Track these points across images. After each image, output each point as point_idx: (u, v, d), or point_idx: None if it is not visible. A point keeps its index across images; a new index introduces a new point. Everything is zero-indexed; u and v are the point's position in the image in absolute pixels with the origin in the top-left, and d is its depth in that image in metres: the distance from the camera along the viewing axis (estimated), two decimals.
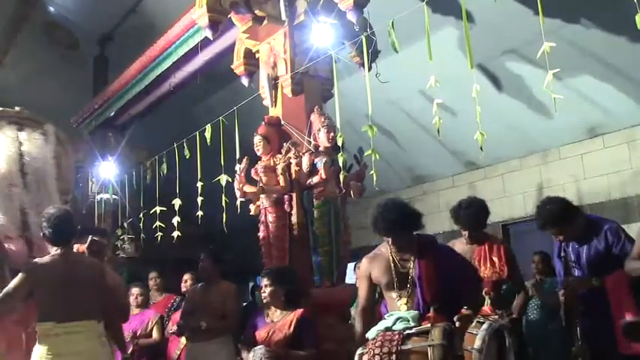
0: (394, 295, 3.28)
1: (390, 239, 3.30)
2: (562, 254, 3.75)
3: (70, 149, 5.27)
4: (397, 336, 3.01)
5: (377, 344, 3.01)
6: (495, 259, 4.01)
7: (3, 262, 3.88)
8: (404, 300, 3.23)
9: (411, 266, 3.25)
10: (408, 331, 3.05)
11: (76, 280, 3.83)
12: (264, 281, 4.13)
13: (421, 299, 3.18)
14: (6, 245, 4.18)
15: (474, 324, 3.63)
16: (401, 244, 3.28)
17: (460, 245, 4.19)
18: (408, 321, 3.11)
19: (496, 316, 3.73)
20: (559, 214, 3.65)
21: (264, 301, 4.16)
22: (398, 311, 3.21)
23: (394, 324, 3.13)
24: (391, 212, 3.26)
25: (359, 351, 3.15)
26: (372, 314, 3.49)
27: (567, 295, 3.56)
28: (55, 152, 4.98)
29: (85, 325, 3.82)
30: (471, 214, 4.04)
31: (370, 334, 3.17)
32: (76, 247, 4.30)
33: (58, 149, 5.04)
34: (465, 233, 4.10)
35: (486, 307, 3.84)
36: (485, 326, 3.56)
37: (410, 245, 3.29)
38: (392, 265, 3.30)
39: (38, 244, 4.31)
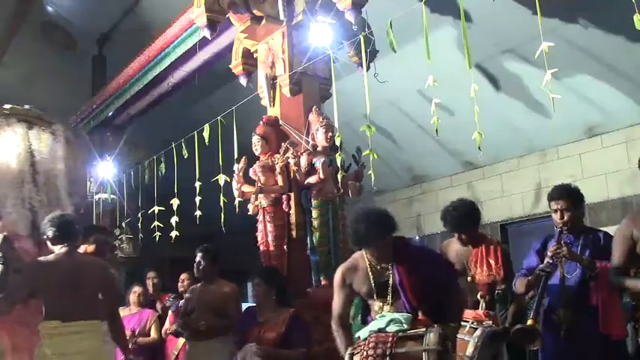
0: (376, 304, 3.24)
1: (368, 251, 3.24)
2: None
3: (78, 151, 5.22)
4: (391, 338, 2.97)
5: (370, 345, 2.96)
6: (492, 261, 3.93)
7: (11, 261, 3.81)
8: (387, 308, 3.19)
9: (390, 273, 3.21)
10: (401, 334, 3.00)
11: (81, 280, 3.83)
12: (256, 281, 4.16)
13: (408, 305, 3.15)
14: (16, 244, 4.14)
15: (467, 329, 3.61)
16: (379, 253, 3.22)
17: (455, 246, 4.11)
18: (402, 323, 3.06)
19: (490, 322, 3.71)
20: (576, 190, 3.79)
21: (256, 300, 4.17)
22: (391, 313, 3.16)
23: (387, 325, 3.08)
24: (365, 224, 3.17)
25: (349, 350, 3.12)
26: (349, 322, 3.42)
27: (553, 255, 3.53)
28: (64, 153, 4.95)
29: (90, 324, 3.82)
30: (456, 217, 3.97)
31: (362, 334, 3.13)
32: (83, 248, 4.31)
33: (67, 150, 5.00)
34: (462, 238, 4.04)
35: (480, 312, 3.80)
36: (478, 333, 3.54)
37: (387, 253, 3.22)
38: (370, 274, 3.24)
39: (46, 245, 4.30)
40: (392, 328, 3.06)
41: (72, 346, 3.68)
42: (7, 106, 4.86)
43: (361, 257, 3.34)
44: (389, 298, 3.21)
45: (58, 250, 3.92)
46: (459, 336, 3.50)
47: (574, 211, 3.71)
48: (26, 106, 4.95)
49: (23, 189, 4.57)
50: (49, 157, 4.80)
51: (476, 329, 3.60)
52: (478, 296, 3.88)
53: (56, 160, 4.84)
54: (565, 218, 3.69)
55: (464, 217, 3.96)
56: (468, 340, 3.53)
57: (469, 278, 3.97)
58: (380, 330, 3.08)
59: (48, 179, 4.71)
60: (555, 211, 3.73)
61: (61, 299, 3.75)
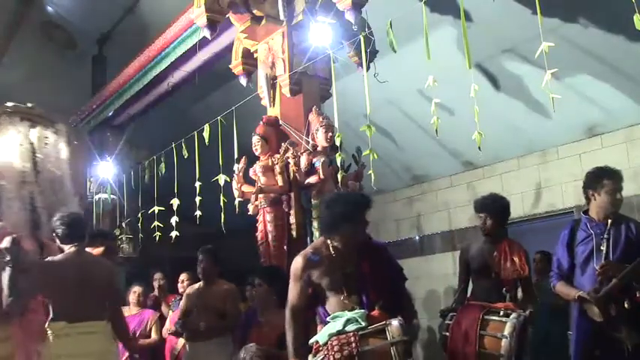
0: (339, 295, 3.15)
1: (339, 238, 3.16)
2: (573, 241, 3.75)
3: (81, 150, 5.19)
4: (353, 337, 2.93)
5: (335, 349, 2.89)
6: (516, 259, 4.11)
7: (18, 262, 3.71)
8: (350, 299, 3.13)
9: (353, 265, 3.17)
10: (362, 332, 2.96)
11: (88, 280, 3.81)
12: (257, 281, 4.17)
13: (366, 298, 3.12)
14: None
15: (501, 314, 3.80)
16: (351, 237, 3.14)
17: (478, 245, 4.28)
18: (358, 321, 3.02)
19: (521, 310, 3.87)
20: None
21: (257, 300, 4.18)
22: (343, 312, 3.10)
23: (345, 325, 3.01)
24: (337, 208, 3.13)
25: (310, 358, 3.07)
26: (305, 315, 3.30)
27: (603, 280, 3.50)
28: (68, 152, 4.90)
29: (97, 325, 3.81)
30: (491, 201, 4.30)
31: (321, 339, 3.04)
32: (90, 250, 4.30)
33: (70, 150, 4.95)
34: (486, 223, 4.19)
35: (509, 303, 3.98)
36: (514, 315, 3.72)
37: (359, 236, 3.18)
38: (335, 264, 3.16)
39: (49, 245, 4.25)
40: (351, 328, 3.00)
41: (80, 347, 3.67)
42: (9, 104, 4.83)
43: (325, 246, 3.22)
44: (353, 289, 3.14)
45: (67, 249, 3.91)
46: (495, 318, 3.75)
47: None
48: (29, 104, 4.91)
49: (24, 188, 4.53)
50: (53, 157, 4.76)
51: (509, 315, 3.76)
52: (503, 291, 4.04)
53: (59, 159, 4.80)
54: (620, 197, 3.80)
55: (498, 201, 4.31)
56: (505, 321, 3.69)
57: (493, 274, 4.12)
58: (339, 332, 3.00)
59: (52, 179, 4.67)
60: (614, 190, 3.80)
61: (69, 300, 3.73)
